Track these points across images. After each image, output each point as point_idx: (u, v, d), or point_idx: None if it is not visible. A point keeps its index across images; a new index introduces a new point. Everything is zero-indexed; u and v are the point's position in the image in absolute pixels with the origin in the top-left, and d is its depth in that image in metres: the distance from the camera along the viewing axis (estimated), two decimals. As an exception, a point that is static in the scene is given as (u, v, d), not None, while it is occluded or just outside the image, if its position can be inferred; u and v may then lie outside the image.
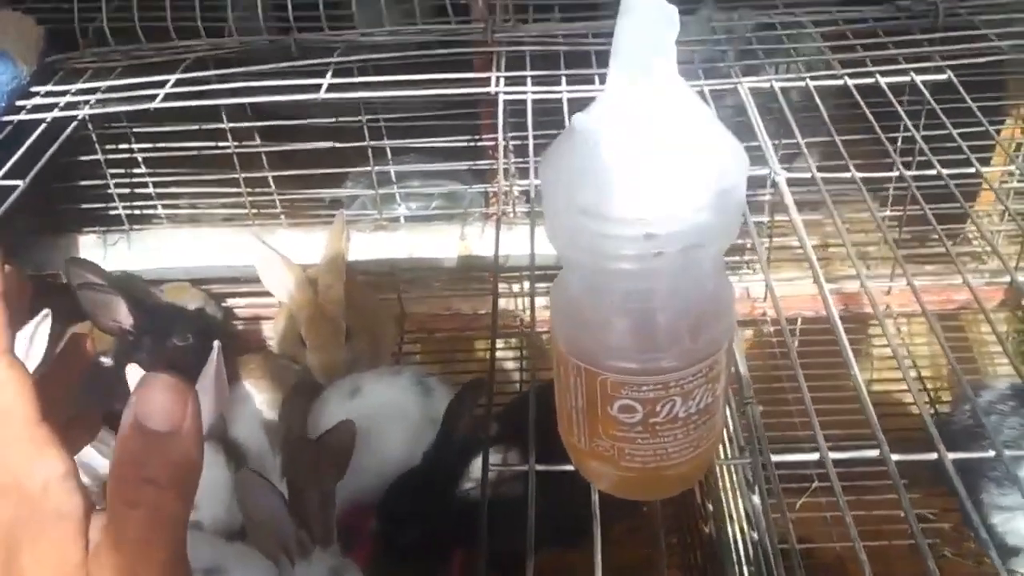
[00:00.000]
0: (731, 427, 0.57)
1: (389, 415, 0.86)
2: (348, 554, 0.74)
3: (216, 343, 0.82)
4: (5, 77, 0.86)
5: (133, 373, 0.75)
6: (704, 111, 0.36)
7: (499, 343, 1.30)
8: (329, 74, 0.84)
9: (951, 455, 0.49)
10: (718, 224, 0.36)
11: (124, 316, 0.92)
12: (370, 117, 1.02)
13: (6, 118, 0.86)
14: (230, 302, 1.15)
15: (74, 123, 0.88)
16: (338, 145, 1.05)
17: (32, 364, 0.89)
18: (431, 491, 0.78)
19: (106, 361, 0.92)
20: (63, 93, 0.90)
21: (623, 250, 0.35)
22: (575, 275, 0.40)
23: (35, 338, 0.89)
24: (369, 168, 1.07)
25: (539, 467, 0.49)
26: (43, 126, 0.86)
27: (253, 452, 0.88)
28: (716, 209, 0.35)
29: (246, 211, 1.10)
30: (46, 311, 0.90)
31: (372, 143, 1.03)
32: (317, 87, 0.82)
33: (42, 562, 0.30)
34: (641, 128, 0.35)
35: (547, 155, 0.38)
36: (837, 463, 0.47)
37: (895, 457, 0.46)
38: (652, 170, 0.34)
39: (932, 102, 0.81)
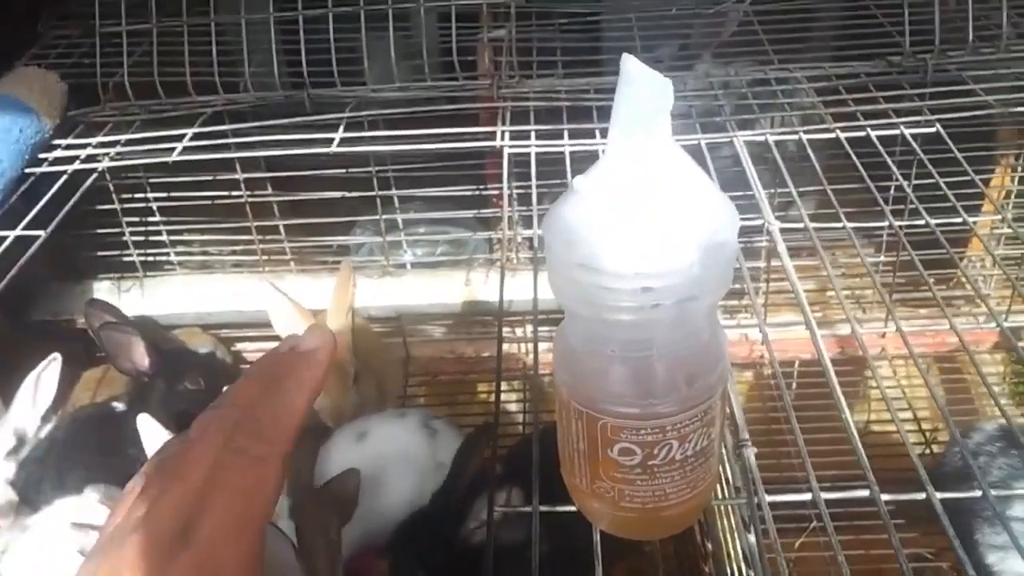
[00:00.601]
0: (728, 469, 0.59)
1: (396, 458, 0.87)
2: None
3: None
4: (30, 131, 0.89)
5: (144, 424, 0.77)
6: (697, 172, 0.39)
7: (503, 386, 1.33)
8: (341, 128, 0.87)
9: (940, 495, 0.51)
10: (711, 277, 0.38)
11: (140, 358, 0.94)
12: (379, 168, 1.05)
13: (29, 170, 0.90)
14: (239, 346, 1.18)
15: (94, 175, 0.91)
16: (348, 195, 1.08)
17: (40, 408, 0.91)
18: (438, 532, 0.79)
19: (118, 406, 0.94)
20: (83, 146, 0.93)
21: (621, 302, 0.37)
22: (576, 325, 0.42)
23: (41, 382, 0.92)
24: (377, 216, 1.10)
25: (543, 508, 0.51)
26: (64, 178, 0.89)
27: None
28: (709, 263, 0.38)
29: (257, 258, 1.13)
30: (54, 355, 0.93)
31: (380, 193, 1.06)
32: (329, 140, 0.86)
33: None
34: (638, 188, 0.37)
35: (549, 213, 0.40)
36: (830, 503, 0.49)
37: (885, 497, 0.48)
38: (648, 227, 0.37)
39: (921, 154, 0.84)
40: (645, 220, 0.37)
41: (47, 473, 0.86)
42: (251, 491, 0.32)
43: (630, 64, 0.37)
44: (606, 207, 0.38)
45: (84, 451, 0.88)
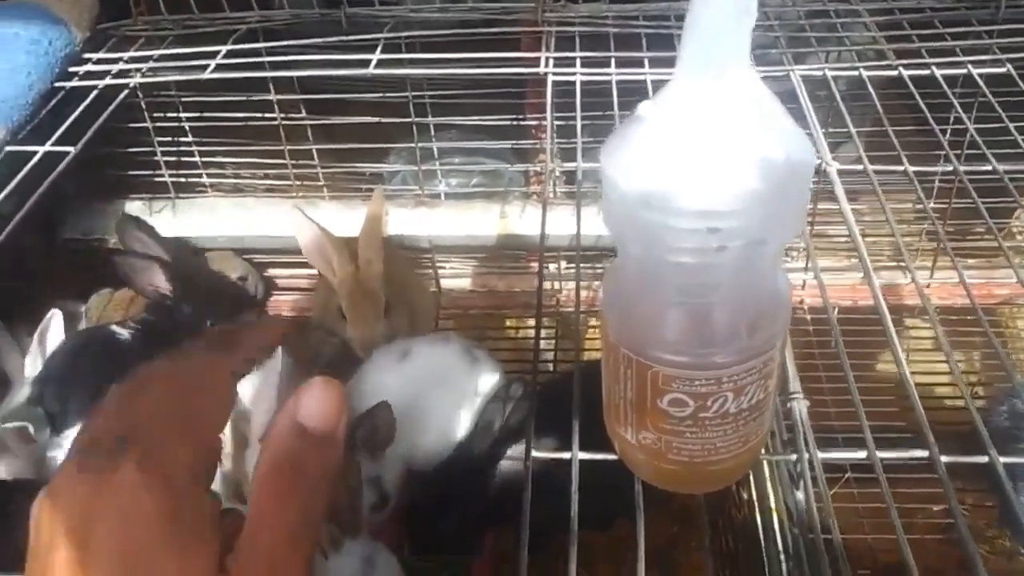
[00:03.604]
0: (775, 420, 0.57)
1: (438, 380, 0.86)
2: (380, 537, 0.76)
3: (278, 349, 0.83)
4: (60, 43, 0.87)
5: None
6: (775, 106, 0.36)
7: (531, 320, 1.31)
8: (378, 50, 0.84)
9: (1004, 459, 0.49)
10: (782, 220, 0.35)
11: (160, 282, 0.93)
12: (416, 93, 1.02)
13: (58, 83, 0.87)
14: (272, 271, 1.17)
15: (125, 91, 0.88)
16: (383, 120, 1.05)
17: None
18: (467, 479, 0.79)
19: (119, 331, 0.92)
20: (115, 60, 0.91)
21: (685, 243, 0.35)
22: (631, 265, 0.39)
23: (46, 339, 0.90)
24: (412, 144, 1.07)
25: (583, 455, 0.49)
26: (94, 93, 0.87)
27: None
28: (781, 206, 0.35)
29: (290, 183, 1.11)
30: (53, 311, 0.91)
31: (416, 120, 1.03)
32: (366, 63, 0.82)
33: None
34: (710, 121, 0.34)
35: (609, 141, 0.37)
36: (885, 461, 0.47)
37: (945, 459, 0.46)
38: (719, 164, 0.34)
39: (989, 95, 0.80)
40: (715, 157, 0.34)
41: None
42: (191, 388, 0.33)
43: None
44: (673, 138, 0.35)
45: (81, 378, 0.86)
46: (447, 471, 0.80)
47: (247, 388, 0.80)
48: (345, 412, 0.32)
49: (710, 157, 0.34)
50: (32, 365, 0.89)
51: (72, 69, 0.89)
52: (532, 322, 1.32)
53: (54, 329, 0.90)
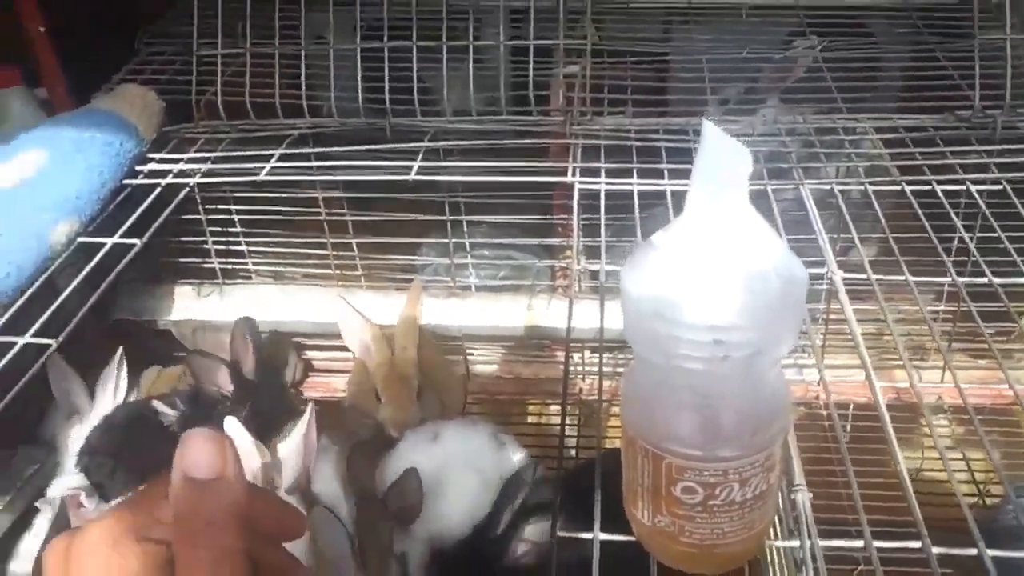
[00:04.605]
0: (781, 509, 0.61)
1: (465, 462, 0.91)
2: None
3: (311, 404, 0.88)
4: (129, 145, 0.95)
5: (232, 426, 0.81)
6: (769, 234, 0.42)
7: (556, 408, 1.36)
8: (419, 157, 0.91)
9: (991, 552, 0.52)
10: (779, 334, 0.41)
11: (226, 383, 0.99)
12: (451, 194, 1.09)
13: (126, 181, 0.95)
14: (310, 354, 1.23)
15: (185, 190, 0.96)
16: (420, 217, 1.13)
17: (120, 398, 0.98)
18: (483, 561, 0.82)
19: (165, 412, 0.97)
20: (176, 161, 0.98)
21: (693, 352, 0.40)
22: (646, 369, 0.45)
23: (120, 374, 0.99)
24: (445, 240, 1.14)
25: (603, 536, 0.54)
26: (158, 191, 0.94)
27: (327, 499, 0.93)
28: (777, 320, 0.41)
29: (330, 271, 1.18)
30: (119, 352, 1.00)
31: (451, 217, 1.10)
32: (408, 168, 0.90)
33: None
34: (713, 248, 0.40)
35: (628, 264, 0.43)
36: (881, 551, 0.51)
37: (936, 551, 0.50)
38: (721, 284, 0.40)
39: (985, 210, 0.85)
40: (718, 277, 0.40)
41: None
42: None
43: (711, 131, 0.40)
44: (682, 263, 0.41)
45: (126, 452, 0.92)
46: (465, 547, 0.84)
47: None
48: (228, 452, 0.35)
49: (714, 279, 0.40)
50: (104, 401, 0.97)
51: (138, 168, 0.97)
52: (554, 408, 1.36)
53: (123, 369, 0.98)
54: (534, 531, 0.83)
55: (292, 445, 0.85)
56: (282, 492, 0.83)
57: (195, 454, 0.35)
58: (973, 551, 0.51)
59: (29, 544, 0.89)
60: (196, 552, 0.35)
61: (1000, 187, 0.87)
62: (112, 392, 0.99)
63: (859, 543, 0.51)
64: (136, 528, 0.35)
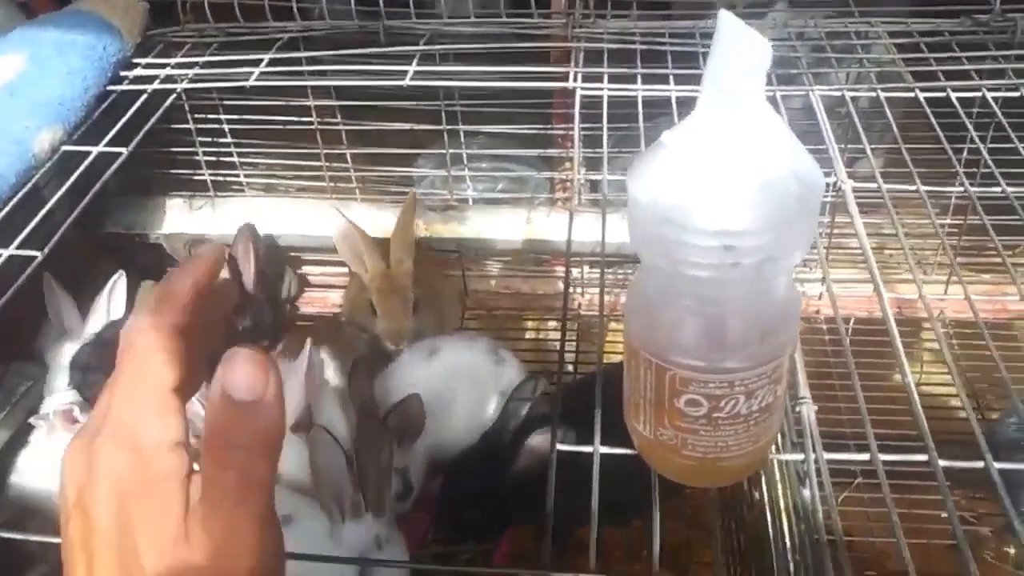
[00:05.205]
0: (785, 422, 0.60)
1: (464, 377, 0.91)
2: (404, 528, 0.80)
3: (308, 340, 0.87)
4: (112, 49, 0.91)
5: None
6: (786, 135, 0.39)
7: (554, 324, 1.35)
8: (414, 62, 0.87)
9: (999, 465, 0.52)
10: (792, 241, 0.39)
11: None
12: (447, 102, 1.06)
13: (110, 87, 0.92)
14: (305, 268, 1.21)
15: (172, 96, 0.93)
16: (415, 127, 1.09)
17: (114, 318, 0.96)
18: (490, 471, 0.82)
19: None
20: (162, 66, 0.95)
21: (702, 259, 0.38)
22: (652, 277, 0.43)
23: (112, 298, 0.97)
24: (441, 150, 1.11)
25: (603, 449, 0.53)
26: (143, 97, 0.91)
27: (324, 418, 0.93)
28: (791, 227, 0.38)
29: (323, 184, 1.15)
30: (120, 272, 0.98)
31: (447, 127, 1.07)
32: (403, 74, 0.86)
33: (148, 518, 0.34)
34: (726, 149, 0.38)
35: (635, 166, 0.41)
36: (886, 464, 0.51)
37: (942, 463, 0.49)
38: (734, 188, 0.38)
39: (1001, 117, 0.82)
40: (731, 180, 0.38)
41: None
42: (145, 357, 0.36)
43: (728, 22, 0.37)
44: (693, 164, 0.38)
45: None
46: (473, 458, 0.84)
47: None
48: (272, 376, 0.34)
49: (725, 182, 0.37)
50: (97, 321, 0.96)
51: (123, 73, 0.94)
52: (552, 324, 1.35)
53: (119, 289, 0.97)
54: (540, 441, 0.83)
55: (293, 382, 0.84)
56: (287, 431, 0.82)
57: (238, 374, 0.34)
58: (980, 463, 0.50)
59: (26, 458, 0.88)
60: (224, 474, 0.34)
61: (1017, 94, 0.83)
62: (105, 312, 0.97)
63: (864, 456, 0.50)
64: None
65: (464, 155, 1.16)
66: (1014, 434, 0.88)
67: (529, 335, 1.40)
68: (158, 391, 0.36)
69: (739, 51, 0.37)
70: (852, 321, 1.18)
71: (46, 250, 0.71)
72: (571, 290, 1.23)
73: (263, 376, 0.34)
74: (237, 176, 1.19)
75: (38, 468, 0.87)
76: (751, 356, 0.42)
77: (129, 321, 0.38)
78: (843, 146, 0.96)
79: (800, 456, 0.51)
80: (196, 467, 0.35)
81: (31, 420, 0.88)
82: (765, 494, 0.71)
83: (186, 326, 0.38)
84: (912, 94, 0.84)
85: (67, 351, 0.94)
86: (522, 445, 0.82)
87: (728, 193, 0.38)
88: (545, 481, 0.53)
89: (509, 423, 0.83)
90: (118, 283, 0.98)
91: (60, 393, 0.91)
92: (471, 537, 0.85)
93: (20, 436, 0.89)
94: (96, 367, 0.91)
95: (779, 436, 0.60)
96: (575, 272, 1.23)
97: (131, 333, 0.37)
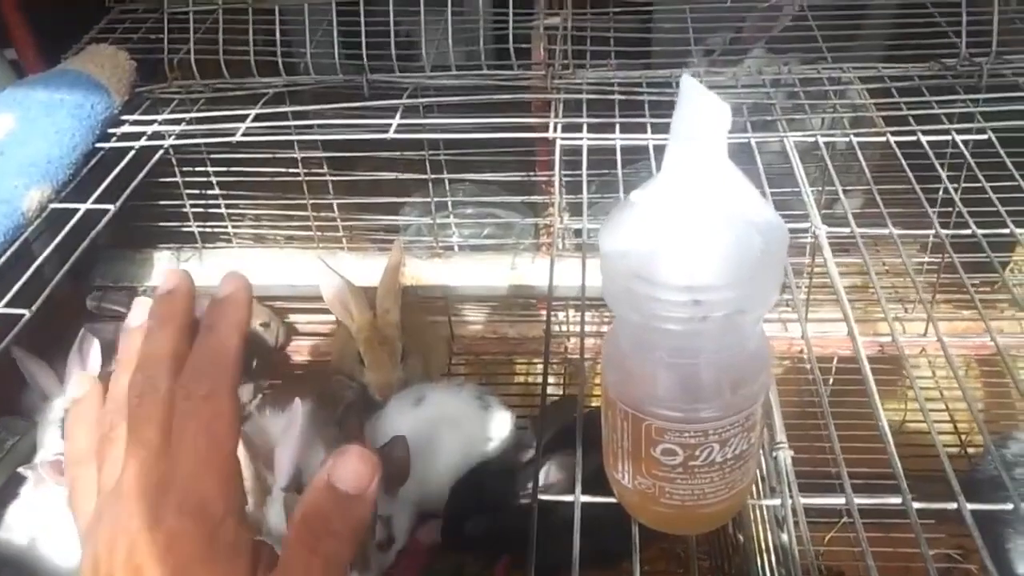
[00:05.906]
0: (763, 468, 0.61)
1: (450, 425, 0.91)
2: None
3: (296, 400, 0.87)
4: (100, 107, 0.93)
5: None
6: (749, 191, 0.41)
7: (540, 366, 1.35)
8: (398, 114, 0.89)
9: (971, 505, 0.53)
10: (759, 293, 0.40)
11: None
12: (432, 152, 1.07)
13: (98, 144, 0.93)
14: (292, 318, 1.22)
15: (160, 152, 0.94)
16: (401, 176, 1.11)
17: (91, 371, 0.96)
18: (497, 489, 0.83)
19: None
20: (150, 122, 0.96)
21: (672, 313, 0.40)
22: (626, 329, 0.44)
23: (83, 352, 0.96)
24: (427, 198, 1.12)
25: (585, 498, 0.53)
26: (131, 153, 0.92)
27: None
28: (757, 279, 0.40)
29: (310, 234, 1.17)
30: (82, 331, 0.96)
31: (432, 176, 1.08)
32: (387, 126, 0.88)
33: None
34: (692, 206, 0.39)
35: (606, 224, 0.42)
36: (863, 507, 0.51)
37: (917, 506, 0.50)
38: (700, 244, 0.39)
39: (971, 160, 0.84)
40: (697, 237, 0.39)
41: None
42: (210, 424, 0.37)
43: (690, 86, 0.39)
44: (660, 222, 0.40)
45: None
46: (478, 481, 0.85)
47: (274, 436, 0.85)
48: (376, 476, 0.37)
49: (692, 238, 0.39)
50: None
51: (111, 130, 0.95)
52: (541, 368, 1.36)
53: (87, 344, 0.95)
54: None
55: (286, 446, 0.84)
56: (278, 491, 0.83)
57: (349, 469, 0.36)
58: (953, 505, 0.51)
59: (15, 513, 0.88)
60: (313, 558, 0.35)
61: (985, 136, 0.86)
62: (80, 369, 0.97)
63: (841, 500, 0.51)
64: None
65: (449, 202, 1.17)
66: (995, 472, 0.89)
67: (519, 379, 1.40)
68: (224, 459, 0.37)
69: (700, 114, 0.38)
70: (836, 360, 1.20)
71: (34, 308, 0.72)
72: (559, 334, 1.24)
73: (370, 474, 0.37)
74: (225, 228, 1.20)
75: (23, 521, 0.87)
76: (724, 406, 0.43)
77: (185, 384, 0.38)
78: (820, 188, 0.98)
79: (777, 501, 0.52)
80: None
81: (19, 469, 0.88)
82: (751, 538, 0.71)
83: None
84: (884, 138, 0.86)
85: (56, 406, 0.94)
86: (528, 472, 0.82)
87: (695, 249, 0.39)
88: (545, 521, 0.54)
89: (516, 449, 0.84)
90: (85, 338, 0.97)
91: (51, 446, 0.91)
92: (474, 548, 0.85)
93: (7, 490, 0.89)
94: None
95: (759, 480, 0.61)
96: (561, 316, 1.24)
97: (190, 402, 0.37)
